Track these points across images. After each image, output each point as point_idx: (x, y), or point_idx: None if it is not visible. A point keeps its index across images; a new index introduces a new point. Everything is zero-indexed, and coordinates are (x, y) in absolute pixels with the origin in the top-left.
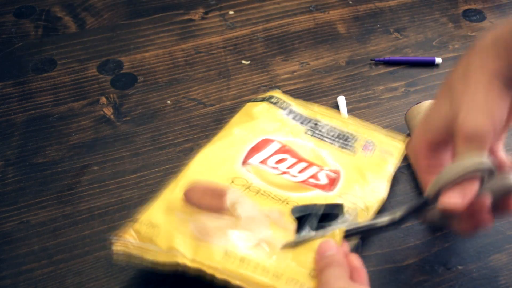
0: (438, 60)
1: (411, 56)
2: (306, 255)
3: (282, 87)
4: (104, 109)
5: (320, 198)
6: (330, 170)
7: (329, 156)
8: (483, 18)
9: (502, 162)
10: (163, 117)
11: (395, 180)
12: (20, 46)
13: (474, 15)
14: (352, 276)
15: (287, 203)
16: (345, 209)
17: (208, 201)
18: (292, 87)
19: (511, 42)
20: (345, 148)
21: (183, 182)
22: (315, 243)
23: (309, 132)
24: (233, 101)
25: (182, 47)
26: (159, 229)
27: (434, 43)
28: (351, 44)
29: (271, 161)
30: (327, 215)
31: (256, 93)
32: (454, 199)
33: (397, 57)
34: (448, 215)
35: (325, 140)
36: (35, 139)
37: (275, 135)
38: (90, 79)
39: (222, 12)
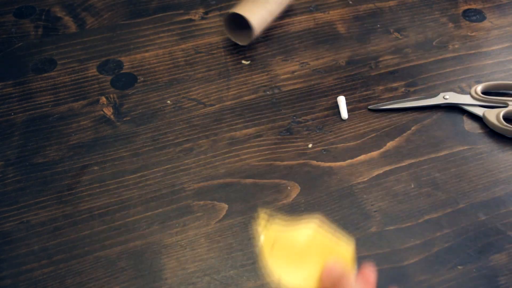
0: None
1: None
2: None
3: (282, 87)
4: (104, 109)
5: None
6: None
7: None
8: (483, 18)
9: None
10: (163, 117)
11: None
12: (20, 46)
13: (474, 15)
14: None
15: None
16: None
17: None
18: (292, 87)
19: None
20: None
21: None
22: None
23: None
24: (233, 101)
25: (182, 47)
26: None
27: (434, 43)
28: (351, 44)
29: None
30: None
31: (256, 93)
32: None
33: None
34: None
35: None
36: (35, 139)
37: None
38: (90, 79)
39: (222, 12)
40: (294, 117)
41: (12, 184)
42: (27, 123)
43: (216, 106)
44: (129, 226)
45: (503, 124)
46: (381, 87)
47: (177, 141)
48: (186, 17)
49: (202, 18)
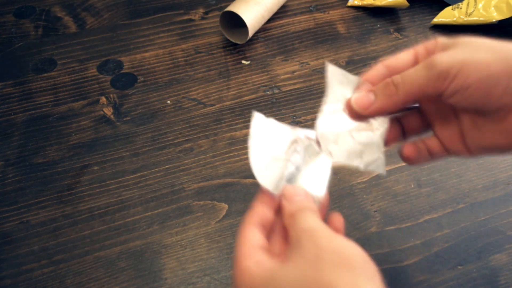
0: None
1: None
2: None
3: (282, 87)
4: (104, 109)
5: None
6: None
7: None
8: None
9: None
10: (163, 117)
11: None
12: (20, 46)
13: None
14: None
15: None
16: None
17: None
18: (292, 87)
19: None
20: None
21: None
22: None
23: None
24: (233, 101)
25: (182, 47)
26: None
27: None
28: (351, 44)
29: None
30: None
31: (256, 93)
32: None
33: None
34: None
35: None
36: (35, 139)
37: None
38: (90, 79)
39: (222, 12)
40: (294, 117)
41: (12, 184)
42: (27, 123)
43: (216, 106)
44: (129, 226)
45: None
46: None
47: (177, 141)
48: (186, 17)
49: (202, 18)
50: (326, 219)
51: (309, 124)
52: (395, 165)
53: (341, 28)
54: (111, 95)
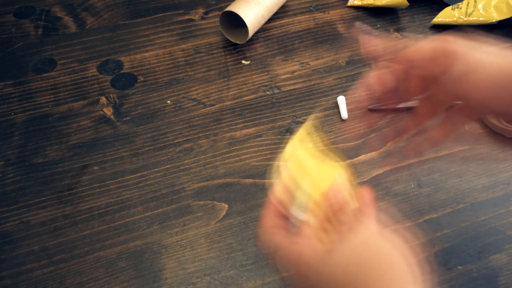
0: None
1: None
2: None
3: (282, 87)
4: (104, 109)
5: None
6: None
7: None
8: None
9: None
10: (163, 117)
11: None
12: (20, 46)
13: None
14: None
15: None
16: None
17: None
18: (292, 87)
19: None
20: None
21: None
22: None
23: None
24: (233, 101)
25: (182, 47)
26: None
27: None
28: (351, 44)
29: None
30: None
31: (256, 93)
32: None
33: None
34: None
35: None
36: (35, 139)
37: None
38: (90, 79)
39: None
40: (294, 117)
41: (12, 184)
42: (27, 123)
43: (216, 106)
44: (129, 226)
45: (503, 124)
46: None
47: (177, 141)
48: (186, 17)
49: (202, 18)
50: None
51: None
52: (395, 165)
53: (341, 28)
54: (111, 95)
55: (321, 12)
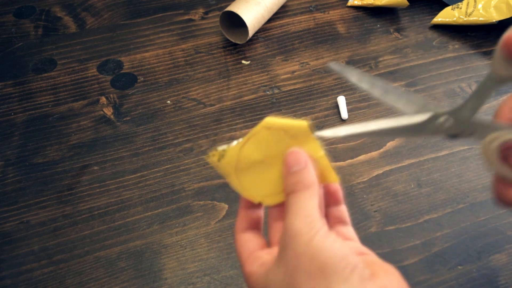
0: None
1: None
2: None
3: (282, 87)
4: (104, 109)
5: None
6: None
7: None
8: None
9: None
10: (163, 117)
11: None
12: (20, 46)
13: None
14: (327, 202)
15: None
16: None
17: None
18: (292, 87)
19: None
20: None
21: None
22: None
23: None
24: (233, 101)
25: (182, 47)
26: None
27: (434, 43)
28: (351, 44)
29: None
30: None
31: (256, 93)
32: None
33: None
34: None
35: None
36: (35, 139)
37: None
38: (90, 79)
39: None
40: (294, 117)
41: (12, 184)
42: (27, 123)
43: (216, 106)
44: (129, 226)
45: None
46: None
47: (177, 141)
48: (186, 17)
49: (202, 18)
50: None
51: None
52: (395, 165)
53: (341, 28)
54: (111, 95)
55: (321, 12)
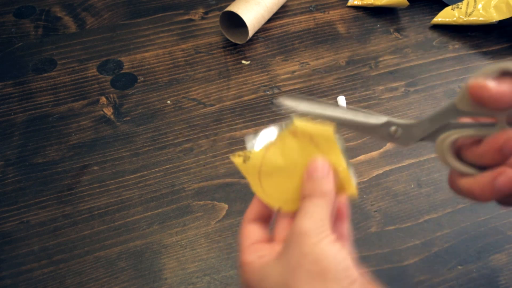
0: None
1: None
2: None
3: (282, 87)
4: (104, 109)
5: None
6: None
7: None
8: None
9: None
10: (163, 117)
11: None
12: (20, 46)
13: None
14: (335, 222)
15: None
16: None
17: None
18: (292, 87)
19: None
20: None
21: None
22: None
23: None
24: (233, 101)
25: (182, 47)
26: None
27: (434, 43)
28: (351, 44)
29: None
30: None
31: (256, 93)
32: (486, 82)
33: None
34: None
35: None
36: (35, 139)
37: None
38: (90, 79)
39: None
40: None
41: (12, 184)
42: (27, 123)
43: (216, 106)
44: (129, 226)
45: None
46: (381, 87)
47: (177, 141)
48: (186, 17)
49: (202, 18)
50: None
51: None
52: (395, 165)
53: (341, 28)
54: (111, 95)
55: (321, 12)
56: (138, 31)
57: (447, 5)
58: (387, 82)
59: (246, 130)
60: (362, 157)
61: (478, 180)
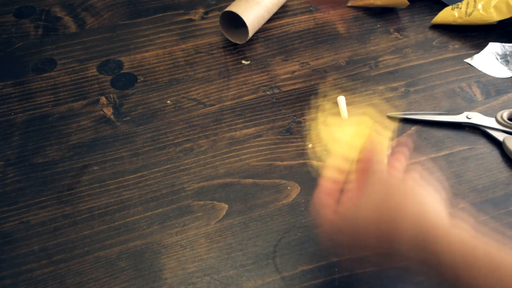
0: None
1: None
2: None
3: (282, 87)
4: (104, 109)
5: None
6: None
7: None
8: None
9: None
10: (163, 117)
11: None
12: (20, 46)
13: None
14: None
15: None
16: None
17: None
18: (292, 87)
19: None
20: None
21: None
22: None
23: None
24: (233, 101)
25: (182, 47)
26: None
27: (434, 43)
28: (351, 44)
29: None
30: None
31: (256, 93)
32: None
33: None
34: None
35: None
36: (35, 139)
37: None
38: (90, 79)
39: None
40: (294, 117)
41: (12, 184)
42: (27, 123)
43: (216, 106)
44: (129, 226)
45: None
46: (381, 87)
47: (177, 141)
48: (186, 17)
49: (202, 18)
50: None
51: (309, 124)
52: None
53: (341, 28)
54: (111, 95)
55: (321, 12)
56: (138, 31)
57: (447, 5)
58: (387, 82)
59: (246, 130)
60: None
61: None
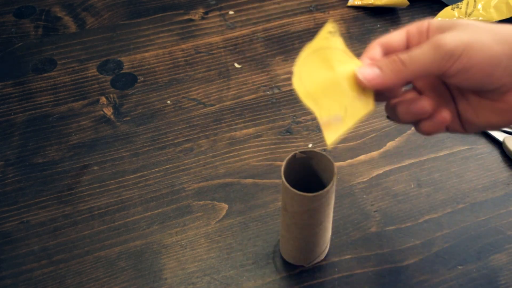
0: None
1: None
2: None
3: (282, 87)
4: (104, 109)
5: None
6: None
7: None
8: None
9: None
10: (163, 117)
11: None
12: (20, 46)
13: None
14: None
15: None
16: None
17: None
18: (292, 87)
19: None
20: None
21: None
22: None
23: None
24: (233, 101)
25: (182, 47)
26: None
27: None
28: (351, 44)
29: None
30: None
31: (256, 93)
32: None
33: None
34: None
35: None
36: (35, 139)
37: None
38: (90, 79)
39: (222, 12)
40: (294, 117)
41: (12, 184)
42: (27, 123)
43: (216, 106)
44: (129, 226)
45: None
46: None
47: (177, 141)
48: (186, 17)
49: (202, 18)
50: None
51: (309, 124)
52: (395, 165)
53: (341, 28)
54: (111, 95)
55: (321, 12)
56: (138, 31)
57: (447, 5)
58: None
59: (246, 130)
60: (362, 157)
61: None
